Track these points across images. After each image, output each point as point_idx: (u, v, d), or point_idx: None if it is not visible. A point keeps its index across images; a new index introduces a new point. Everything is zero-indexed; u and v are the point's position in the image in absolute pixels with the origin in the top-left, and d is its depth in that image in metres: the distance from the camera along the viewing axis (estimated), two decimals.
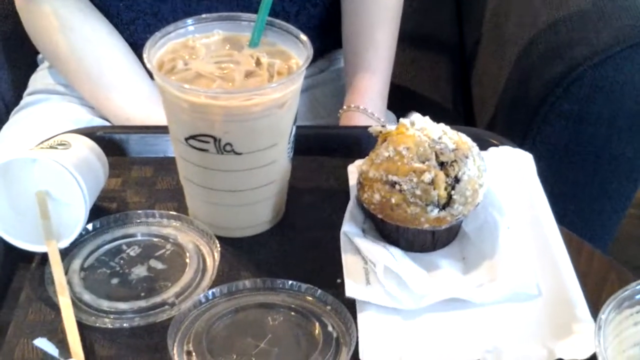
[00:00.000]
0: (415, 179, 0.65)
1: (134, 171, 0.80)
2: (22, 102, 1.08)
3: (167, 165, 0.79)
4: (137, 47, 1.01)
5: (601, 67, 0.99)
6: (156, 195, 0.77)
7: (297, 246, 0.72)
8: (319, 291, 0.65)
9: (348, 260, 0.67)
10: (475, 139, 0.71)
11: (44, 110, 1.04)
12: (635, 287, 0.49)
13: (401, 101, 1.16)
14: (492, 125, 1.17)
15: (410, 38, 1.40)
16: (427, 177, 0.65)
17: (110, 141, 0.81)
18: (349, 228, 0.70)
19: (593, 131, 1.04)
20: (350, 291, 0.65)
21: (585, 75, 1.00)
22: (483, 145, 0.76)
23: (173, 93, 0.64)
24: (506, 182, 0.75)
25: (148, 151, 0.82)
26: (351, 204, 0.72)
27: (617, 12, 1.03)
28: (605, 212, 1.11)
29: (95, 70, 0.96)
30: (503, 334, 0.62)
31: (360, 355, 0.60)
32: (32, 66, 1.12)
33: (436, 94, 1.31)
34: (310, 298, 0.65)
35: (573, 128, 1.05)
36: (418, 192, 0.65)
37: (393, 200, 0.66)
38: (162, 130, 0.82)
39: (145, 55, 0.66)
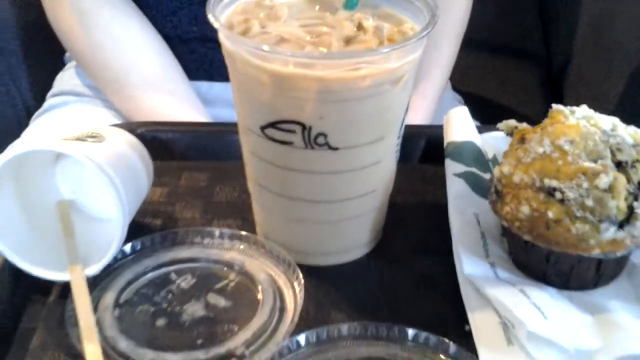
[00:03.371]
0: (585, 184, 0.46)
1: (184, 179, 0.62)
2: (45, 105, 0.91)
3: (227, 171, 0.61)
4: (182, 42, 0.85)
5: None
6: (214, 210, 0.58)
7: (404, 279, 0.53)
8: (453, 346, 0.46)
9: (477, 318, 0.48)
10: None
11: (69, 113, 0.87)
12: None
13: (485, 113, 0.99)
14: None
15: (489, 45, 1.24)
16: (603, 181, 0.46)
17: (155, 141, 0.63)
18: (473, 269, 0.51)
19: None
20: (485, 357, 0.46)
21: None
22: None
23: (249, 61, 0.46)
24: None
25: (203, 155, 0.64)
26: (459, 225, 0.54)
27: None
28: None
29: (122, 69, 0.80)
30: None
31: None
32: (58, 65, 0.96)
33: (526, 106, 1.13)
34: (433, 352, 0.46)
35: None
36: (589, 202, 0.46)
37: (551, 215, 0.47)
38: (222, 128, 0.64)
39: (209, 15, 0.48)
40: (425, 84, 0.85)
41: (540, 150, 0.48)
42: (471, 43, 1.20)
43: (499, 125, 0.55)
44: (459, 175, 0.57)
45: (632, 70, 0.94)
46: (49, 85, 0.95)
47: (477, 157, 0.58)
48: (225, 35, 0.48)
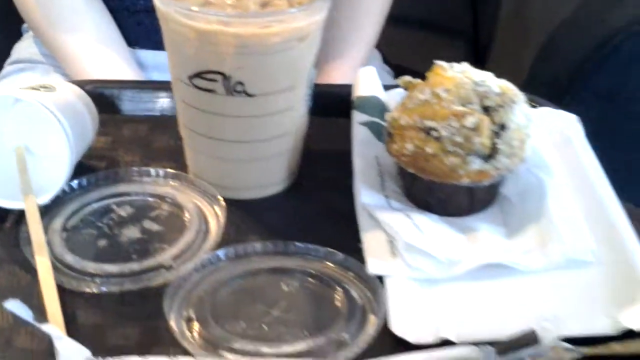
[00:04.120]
0: (455, 124, 0.56)
1: (126, 129, 0.70)
2: (2, 72, 0.99)
3: (165, 122, 0.69)
4: (130, 13, 0.94)
5: (637, 38, 0.91)
6: (152, 155, 0.67)
7: (313, 210, 0.62)
8: (341, 255, 0.55)
9: (368, 236, 0.58)
10: None
11: (26, 80, 0.95)
12: None
13: None
14: None
15: (420, 22, 1.33)
16: (470, 121, 0.56)
17: (102, 97, 0.72)
18: (369, 199, 0.60)
19: (627, 109, 0.96)
20: (373, 268, 0.55)
21: (622, 46, 0.92)
22: None
23: (177, 20, 0.55)
24: (552, 144, 0.66)
25: (144, 109, 0.73)
26: (360, 165, 0.63)
27: None
28: None
29: (71, 37, 0.89)
30: (559, 302, 0.53)
31: (392, 327, 0.51)
32: (16, 34, 1.04)
33: None
34: (330, 263, 0.55)
35: (608, 106, 0.96)
36: (458, 139, 0.56)
37: (429, 150, 0.57)
38: (160, 85, 0.73)
39: None
40: (351, 57, 0.95)
41: (422, 97, 0.58)
42: (405, 20, 1.30)
43: (397, 80, 0.64)
44: (364, 124, 0.67)
45: (542, 43, 1.04)
46: (6, 54, 1.03)
47: (380, 109, 0.68)
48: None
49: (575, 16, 0.99)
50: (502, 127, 0.57)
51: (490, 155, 0.57)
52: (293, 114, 0.60)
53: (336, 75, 0.93)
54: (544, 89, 1.03)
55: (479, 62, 1.26)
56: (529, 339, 0.49)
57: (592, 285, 0.54)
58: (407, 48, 1.27)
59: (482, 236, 0.58)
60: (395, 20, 1.21)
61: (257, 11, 0.56)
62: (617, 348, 0.49)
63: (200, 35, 0.55)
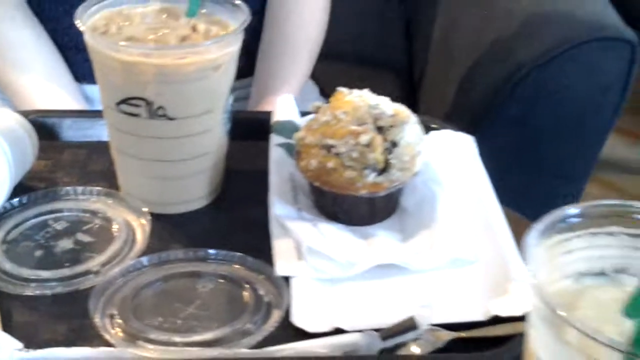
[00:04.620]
0: (352, 142, 0.63)
1: (65, 154, 0.77)
2: None
3: (101, 148, 0.76)
4: (78, 51, 1.01)
5: (544, 68, 1.00)
6: (88, 177, 0.74)
7: (232, 222, 0.69)
8: (252, 259, 0.62)
9: (278, 242, 0.65)
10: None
11: None
12: (565, 211, 0.47)
13: None
14: None
15: (358, 57, 1.42)
16: (363, 139, 0.63)
17: (43, 125, 0.78)
18: (281, 211, 0.67)
19: (538, 134, 1.05)
20: (280, 269, 0.62)
21: (529, 77, 1.01)
22: (425, 130, 0.75)
23: (105, 53, 0.62)
24: (447, 161, 0.74)
25: (82, 135, 0.79)
26: (276, 181, 0.70)
27: (558, 16, 1.05)
28: None
29: (18, 72, 0.95)
30: (439, 293, 0.60)
31: (293, 319, 0.58)
32: None
33: None
34: (242, 267, 0.62)
35: (518, 131, 1.05)
36: (355, 154, 0.63)
37: (329, 165, 0.64)
38: (97, 114, 0.80)
39: (77, 20, 0.64)
40: (286, 88, 1.03)
41: (324, 119, 0.65)
42: (343, 55, 1.39)
43: (310, 106, 0.72)
44: (280, 145, 0.74)
45: (462, 76, 1.13)
46: None
47: (294, 131, 0.75)
48: (89, 35, 0.64)
49: (489, 52, 1.08)
50: (394, 144, 0.65)
51: (384, 169, 0.64)
52: (212, 136, 0.67)
53: (272, 108, 1.00)
54: (464, 116, 1.12)
55: (412, 95, 1.36)
56: (409, 325, 0.56)
57: (471, 280, 0.62)
58: (344, 82, 1.35)
59: (380, 241, 0.65)
60: (333, 56, 1.30)
61: (175, 44, 0.64)
62: (487, 331, 0.57)
63: (125, 66, 0.62)
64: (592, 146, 1.09)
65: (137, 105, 0.63)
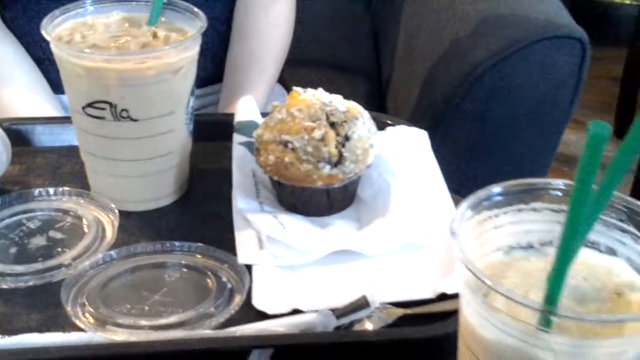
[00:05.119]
0: (306, 137, 0.67)
1: (39, 158, 0.80)
2: None
3: (72, 152, 0.79)
4: (51, 62, 1.04)
5: (499, 67, 1.05)
6: (60, 178, 0.77)
7: (198, 217, 0.73)
8: (216, 250, 0.66)
9: (241, 233, 0.69)
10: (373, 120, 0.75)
11: None
12: (490, 190, 0.51)
13: None
14: None
15: (328, 63, 1.46)
16: (317, 134, 0.67)
17: (16, 132, 0.82)
18: (244, 205, 0.71)
19: (495, 130, 1.10)
20: (242, 258, 0.66)
21: (485, 76, 1.05)
22: (380, 126, 0.80)
23: (69, 60, 0.66)
24: (401, 154, 0.78)
25: (54, 140, 0.83)
26: (238, 177, 0.74)
27: (513, 17, 1.10)
28: None
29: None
30: (390, 274, 0.65)
31: (254, 302, 0.61)
32: None
33: None
34: (206, 257, 0.66)
35: (477, 127, 1.10)
36: (309, 149, 0.67)
37: (287, 159, 0.68)
38: (68, 120, 0.83)
39: (43, 31, 0.68)
40: (253, 93, 1.07)
41: (280, 116, 0.69)
42: (312, 61, 1.43)
43: (270, 105, 0.76)
44: (242, 143, 0.78)
45: (424, 77, 1.18)
46: None
47: (255, 130, 0.79)
48: (54, 45, 0.68)
49: (448, 53, 1.13)
50: (347, 138, 0.69)
51: (337, 161, 0.69)
52: (175, 136, 0.71)
53: None
54: (427, 115, 1.17)
55: (381, 97, 1.40)
56: (361, 304, 0.60)
57: (421, 262, 0.66)
58: (312, 86, 1.40)
59: (337, 229, 0.69)
60: (302, 61, 1.35)
61: (135, 50, 0.68)
62: (434, 307, 0.61)
63: (88, 71, 0.66)
64: (549, 140, 1.14)
65: (102, 109, 0.67)
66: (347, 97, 1.44)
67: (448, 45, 1.14)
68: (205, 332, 0.58)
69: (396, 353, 0.59)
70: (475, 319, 0.46)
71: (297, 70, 1.32)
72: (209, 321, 0.58)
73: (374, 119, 0.77)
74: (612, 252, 0.49)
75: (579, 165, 0.42)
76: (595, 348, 0.42)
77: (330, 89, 1.44)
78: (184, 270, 0.65)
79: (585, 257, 0.49)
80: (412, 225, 0.69)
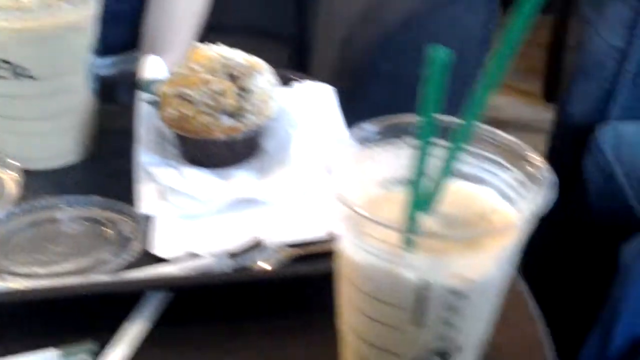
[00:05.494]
0: (205, 89, 0.69)
1: None
2: None
3: None
4: None
5: (409, 27, 1.08)
6: None
7: (103, 174, 0.75)
8: (117, 203, 0.67)
9: (142, 186, 0.70)
10: (280, 77, 0.78)
11: None
12: (366, 126, 0.53)
13: None
14: None
15: (251, 28, 1.47)
16: (216, 86, 0.69)
17: None
18: (147, 159, 0.73)
19: (410, 89, 1.12)
20: (142, 208, 0.67)
21: (397, 36, 1.08)
22: (287, 83, 0.82)
23: None
24: (306, 108, 0.80)
25: None
26: (143, 133, 0.75)
27: None
28: None
29: None
30: (286, 218, 0.67)
31: (151, 248, 0.63)
32: None
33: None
34: (108, 210, 0.67)
35: (391, 87, 1.13)
36: (208, 101, 0.69)
37: (187, 112, 0.70)
38: None
39: None
40: (170, 55, 1.08)
41: (181, 71, 0.71)
42: (236, 28, 1.44)
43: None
44: (146, 100, 0.79)
45: (342, 39, 1.20)
46: None
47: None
48: None
49: (363, 15, 1.16)
50: (246, 90, 0.71)
51: (238, 113, 0.70)
52: (76, 94, 0.72)
53: None
54: (345, 75, 1.19)
55: (304, 62, 1.42)
56: (256, 245, 0.62)
57: (315, 205, 0.68)
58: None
59: (238, 179, 0.71)
60: (224, 28, 1.35)
61: (34, 8, 0.68)
62: (326, 246, 0.63)
63: None
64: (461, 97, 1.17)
65: (1, 68, 0.68)
66: (270, 61, 1.46)
67: (364, 8, 1.17)
68: (99, 277, 0.59)
69: (291, 291, 0.61)
70: (349, 247, 0.48)
71: (219, 36, 1.33)
72: (105, 267, 0.60)
73: (282, 76, 0.79)
74: (480, 181, 0.52)
75: (423, 92, 0.45)
76: (454, 265, 0.45)
77: (254, 54, 1.46)
78: (84, 222, 0.66)
79: (457, 187, 0.52)
80: (311, 173, 0.71)
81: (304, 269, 0.61)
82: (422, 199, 0.48)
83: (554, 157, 1.41)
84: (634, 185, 1.14)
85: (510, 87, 2.64)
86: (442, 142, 0.51)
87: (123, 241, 0.63)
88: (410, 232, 0.45)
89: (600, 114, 1.30)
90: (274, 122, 0.76)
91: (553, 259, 1.38)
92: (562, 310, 1.33)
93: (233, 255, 0.61)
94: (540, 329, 0.61)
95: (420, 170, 0.46)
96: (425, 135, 0.45)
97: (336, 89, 1.22)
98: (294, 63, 1.44)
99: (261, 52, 1.49)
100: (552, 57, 2.49)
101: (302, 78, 0.86)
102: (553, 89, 2.47)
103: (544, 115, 2.17)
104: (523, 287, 0.65)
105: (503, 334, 0.59)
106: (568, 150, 1.33)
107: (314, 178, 0.70)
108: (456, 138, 0.48)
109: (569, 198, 1.31)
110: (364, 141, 0.52)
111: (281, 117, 0.76)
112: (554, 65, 2.49)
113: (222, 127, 0.70)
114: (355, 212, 0.46)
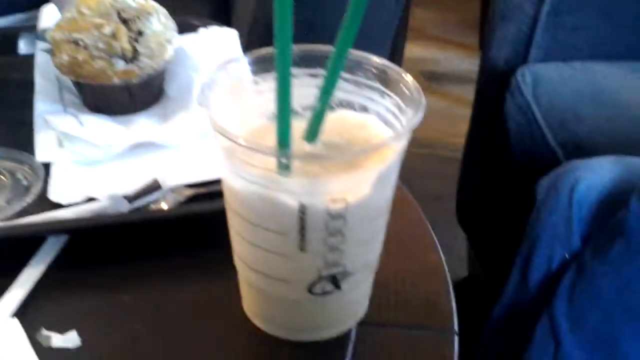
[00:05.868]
0: (96, 33, 0.68)
1: None
2: None
3: None
4: None
5: None
6: None
7: (3, 126, 0.73)
8: (13, 151, 0.67)
9: (40, 134, 0.69)
10: (183, 25, 0.77)
11: None
12: (241, 57, 0.53)
13: None
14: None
15: None
16: (107, 30, 0.68)
17: None
18: (44, 107, 0.72)
19: (327, 38, 1.12)
20: (40, 156, 0.66)
21: None
22: (192, 29, 0.81)
23: None
24: (208, 52, 0.80)
25: None
26: (40, 82, 0.74)
27: None
28: None
29: None
30: (184, 159, 0.67)
31: (48, 194, 0.62)
32: None
33: None
34: (4, 159, 0.66)
35: (311, 35, 1.12)
36: (101, 45, 0.68)
37: (80, 58, 0.69)
38: None
39: None
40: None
41: (69, 15, 0.70)
42: None
43: None
44: (44, 50, 0.77)
45: None
46: None
47: None
48: None
49: None
50: (140, 33, 0.70)
51: (133, 57, 0.70)
52: None
53: None
54: (261, 26, 1.18)
55: (227, 15, 1.40)
56: (153, 186, 0.62)
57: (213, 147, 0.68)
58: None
59: (139, 125, 0.71)
60: None
61: None
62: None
63: None
64: (381, 43, 1.18)
65: None
66: (194, 14, 1.44)
67: None
68: None
69: (189, 230, 0.61)
70: (230, 178, 0.49)
71: None
72: (0, 214, 0.59)
73: (186, 22, 0.78)
74: (364, 109, 0.53)
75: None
76: (330, 187, 0.46)
77: (177, 7, 1.43)
78: None
79: (341, 116, 0.53)
80: None
81: (199, 207, 0.61)
82: (308, 129, 0.49)
83: (479, 102, 1.43)
84: (552, 124, 1.16)
85: (448, 41, 2.66)
86: (320, 70, 0.52)
87: (20, 189, 0.62)
88: (283, 155, 0.45)
89: (521, 57, 1.32)
90: (176, 66, 0.75)
91: (482, 200, 1.41)
92: (494, 247, 1.37)
93: (131, 198, 0.61)
94: (437, 258, 0.62)
95: (283, 101, 0.46)
96: (282, 65, 0.45)
97: (256, 41, 1.21)
98: (219, 15, 1.42)
99: (185, 4, 1.47)
100: (485, 8, 2.51)
101: (207, 23, 0.85)
102: None
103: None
104: (421, 215, 0.66)
105: (402, 262, 0.61)
106: (492, 94, 1.35)
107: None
108: (331, 65, 0.49)
109: (493, 140, 1.33)
110: (240, 71, 0.52)
111: (183, 61, 0.75)
112: (487, 15, 2.51)
113: (117, 72, 0.69)
114: (231, 140, 0.46)
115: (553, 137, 1.14)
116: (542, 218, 0.99)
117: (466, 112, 1.47)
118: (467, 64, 2.52)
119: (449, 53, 2.61)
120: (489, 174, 1.37)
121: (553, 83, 1.25)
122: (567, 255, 0.92)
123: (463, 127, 1.46)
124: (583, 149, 1.10)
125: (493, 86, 1.35)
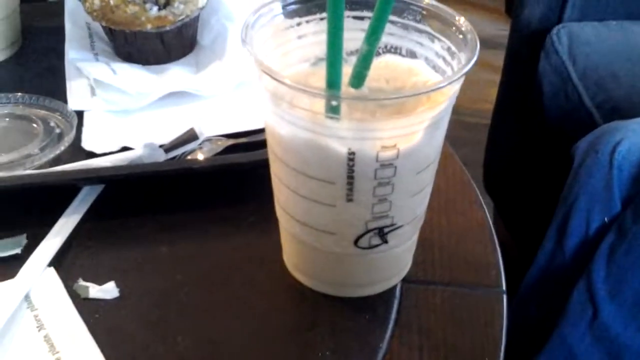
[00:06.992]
0: None
1: None
2: None
3: None
4: None
5: None
6: None
7: (32, 72, 0.72)
8: (45, 99, 0.64)
9: (72, 82, 0.67)
10: None
11: None
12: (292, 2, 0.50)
13: None
14: None
15: None
16: None
17: None
18: (76, 55, 0.70)
19: None
20: (72, 104, 0.65)
21: None
22: None
23: None
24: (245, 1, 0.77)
25: None
26: (71, 29, 0.72)
27: None
28: None
29: None
30: (221, 109, 0.65)
31: (82, 143, 0.61)
32: None
33: None
34: (37, 107, 0.64)
35: None
36: None
37: (112, 2, 0.66)
38: None
39: None
40: None
41: None
42: None
43: None
44: None
45: None
46: None
47: None
48: None
49: None
50: None
51: (166, 3, 0.67)
52: None
53: None
54: None
55: None
56: (189, 136, 0.60)
57: (250, 97, 0.66)
58: None
59: (172, 74, 0.69)
60: None
61: None
62: (259, 137, 0.61)
63: None
64: None
65: None
66: None
67: None
68: (27, 171, 0.57)
69: (228, 181, 0.59)
70: (275, 121, 0.46)
71: None
72: (32, 161, 0.57)
73: None
74: (412, 54, 0.50)
75: None
76: (380, 132, 0.44)
77: None
78: (10, 119, 0.63)
79: (387, 62, 0.50)
80: (247, 65, 0.69)
81: (238, 157, 0.59)
82: (353, 74, 0.46)
83: (510, 64, 1.39)
84: (588, 84, 1.13)
85: (473, 4, 2.61)
86: (367, 13, 0.49)
87: (53, 137, 0.61)
88: (333, 96, 0.43)
89: (555, 17, 1.28)
90: (209, 15, 0.73)
91: (512, 167, 1.38)
92: (523, 214, 1.34)
93: (167, 148, 0.59)
94: (484, 215, 0.60)
95: (334, 40, 0.43)
96: (335, 8, 0.42)
97: None
98: None
99: None
100: None
101: None
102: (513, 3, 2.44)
103: (506, 30, 2.17)
104: (463, 169, 0.64)
105: (447, 218, 0.59)
106: (524, 56, 1.31)
107: (251, 71, 0.68)
108: (379, 7, 0.46)
109: (524, 104, 1.30)
110: (283, 11, 0.50)
111: (217, 10, 0.73)
112: None
113: (150, 18, 0.67)
114: (278, 80, 0.43)
115: (590, 98, 1.11)
116: (580, 181, 0.96)
117: (492, 77, 1.44)
118: (493, 28, 2.47)
119: (473, 16, 2.56)
120: (519, 139, 1.34)
121: (589, 43, 1.21)
122: (606, 219, 0.90)
123: (489, 93, 1.42)
124: (620, 111, 1.07)
125: (526, 47, 1.31)
